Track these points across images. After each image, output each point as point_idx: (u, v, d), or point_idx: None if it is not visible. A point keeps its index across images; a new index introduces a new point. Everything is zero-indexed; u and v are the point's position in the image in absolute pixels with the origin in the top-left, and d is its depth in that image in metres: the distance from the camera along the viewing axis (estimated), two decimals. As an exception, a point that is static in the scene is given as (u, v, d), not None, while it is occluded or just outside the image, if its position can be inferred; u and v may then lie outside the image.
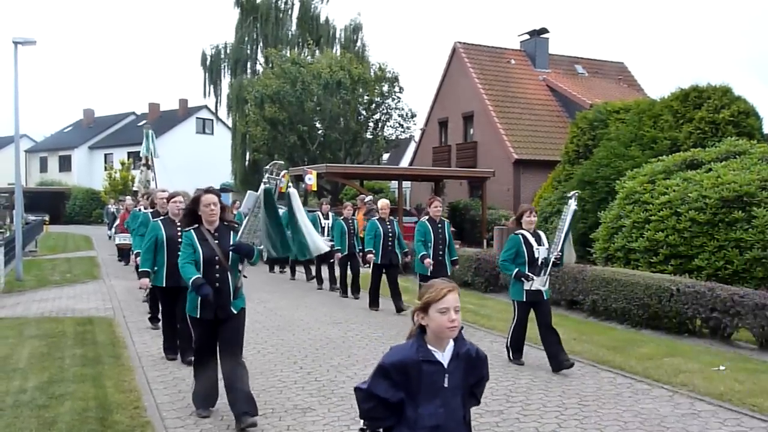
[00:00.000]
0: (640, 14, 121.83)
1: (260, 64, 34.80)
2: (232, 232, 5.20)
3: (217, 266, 5.02)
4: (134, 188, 23.67)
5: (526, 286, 6.59)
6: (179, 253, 5.22)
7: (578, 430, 4.99)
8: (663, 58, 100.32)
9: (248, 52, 35.14)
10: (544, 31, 31.40)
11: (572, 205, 6.93)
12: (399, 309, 9.88)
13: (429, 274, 8.21)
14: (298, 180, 22.08)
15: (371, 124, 28.07)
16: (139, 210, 11.21)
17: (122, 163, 39.11)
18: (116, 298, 11.43)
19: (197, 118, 48.22)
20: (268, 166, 5.38)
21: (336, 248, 11.15)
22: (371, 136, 28.23)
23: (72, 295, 11.89)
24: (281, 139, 26.61)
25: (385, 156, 35.32)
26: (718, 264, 9.20)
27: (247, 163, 34.40)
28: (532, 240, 6.68)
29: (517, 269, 6.60)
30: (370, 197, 15.78)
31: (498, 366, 6.71)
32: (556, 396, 5.86)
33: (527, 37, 31.65)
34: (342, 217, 11.95)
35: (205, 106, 46.66)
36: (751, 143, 11.14)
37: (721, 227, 9.33)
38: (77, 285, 13.32)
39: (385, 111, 27.79)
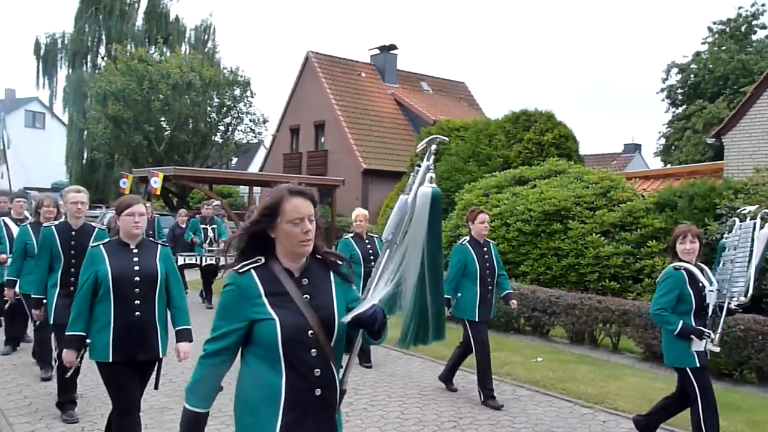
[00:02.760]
0: (481, 38, 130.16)
1: (102, 58, 32.96)
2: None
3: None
4: None
5: (696, 347, 4.43)
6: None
7: (419, 416, 5.61)
8: (500, 81, 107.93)
9: (89, 44, 33.13)
10: (393, 47, 32.75)
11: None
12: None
13: (477, 318, 6.01)
14: (143, 182, 21.30)
15: (222, 127, 27.67)
16: None
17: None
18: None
19: (26, 110, 44.41)
20: (422, 145, 2.58)
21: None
22: (221, 140, 27.82)
23: None
24: (125, 138, 25.43)
25: (234, 160, 34.81)
26: (540, 270, 10.40)
27: (84, 161, 32.39)
28: (701, 277, 4.51)
29: (681, 322, 4.44)
30: (217, 202, 15.68)
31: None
32: (400, 387, 6.47)
33: (377, 51, 32.84)
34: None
35: (36, 98, 43.14)
36: (569, 164, 12.63)
37: (543, 237, 10.56)
38: None
39: (236, 115, 27.52)
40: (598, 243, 9.83)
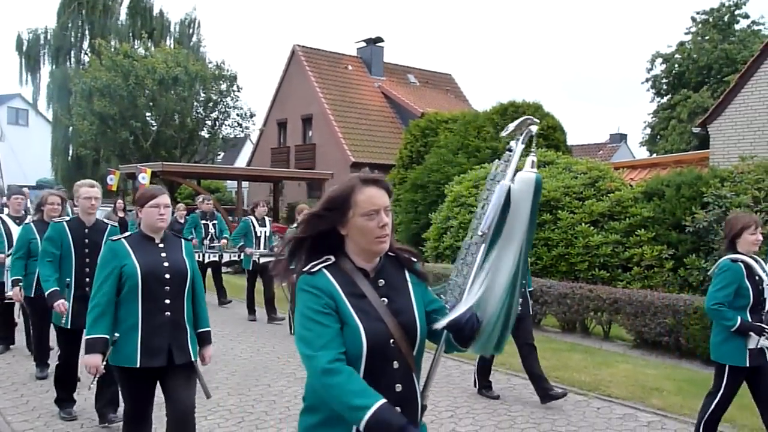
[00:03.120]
0: (467, 30, 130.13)
1: (86, 53, 32.65)
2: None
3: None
4: None
5: (752, 344, 4.16)
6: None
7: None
8: (486, 72, 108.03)
9: (72, 40, 32.81)
10: (379, 39, 32.72)
11: None
12: None
13: None
14: (130, 178, 21.18)
15: (209, 122, 27.54)
16: None
17: None
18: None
19: (9, 107, 43.92)
20: (512, 127, 2.32)
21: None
22: (209, 135, 27.69)
23: None
24: (111, 134, 25.25)
25: (221, 155, 34.68)
26: (531, 260, 10.48)
27: (70, 158, 32.13)
28: (759, 270, 4.23)
29: (740, 318, 4.15)
30: (208, 198, 15.52)
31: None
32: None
33: (363, 44, 32.79)
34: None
35: (19, 95, 42.67)
36: (557, 155, 12.72)
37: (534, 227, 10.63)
38: None
39: (223, 110, 27.39)
40: (587, 232, 9.93)
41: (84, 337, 3.68)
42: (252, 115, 28.49)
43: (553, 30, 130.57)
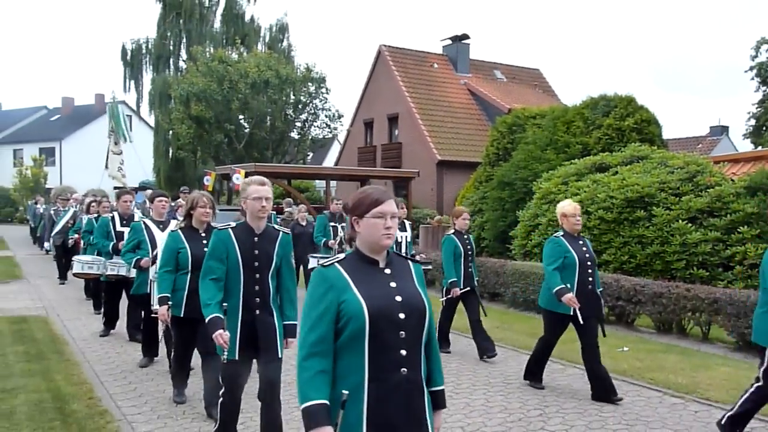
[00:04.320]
0: (554, 23, 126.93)
1: (184, 60, 34.32)
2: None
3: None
4: (110, 176, 21.51)
5: None
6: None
7: (504, 404, 5.65)
8: (574, 65, 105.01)
9: (171, 48, 34.62)
10: (465, 36, 32.51)
11: None
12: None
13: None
14: (225, 179, 22.09)
15: (298, 123, 28.32)
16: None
17: (34, 160, 37.54)
18: (45, 298, 11.32)
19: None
20: None
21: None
22: (298, 136, 28.47)
23: (-3, 295, 11.65)
24: (207, 137, 26.48)
25: (309, 156, 35.59)
26: (623, 258, 10.16)
27: (170, 160, 33.87)
28: None
29: None
30: (336, 198, 14.48)
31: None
32: (483, 376, 6.53)
33: (449, 42, 32.67)
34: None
35: (124, 102, 45.36)
36: (652, 149, 12.25)
37: (626, 225, 10.31)
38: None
39: (312, 111, 28.09)
40: (684, 230, 9.52)
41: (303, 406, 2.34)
42: (340, 116, 29.07)
43: (643, 17, 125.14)
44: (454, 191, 24.07)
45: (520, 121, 17.90)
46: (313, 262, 9.87)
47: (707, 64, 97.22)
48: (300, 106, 27.85)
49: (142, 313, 6.89)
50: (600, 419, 5.29)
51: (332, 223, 10.40)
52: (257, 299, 3.99)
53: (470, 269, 7.31)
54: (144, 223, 6.53)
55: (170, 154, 33.42)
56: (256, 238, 4.03)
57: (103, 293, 8.57)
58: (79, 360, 7.03)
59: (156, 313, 5.53)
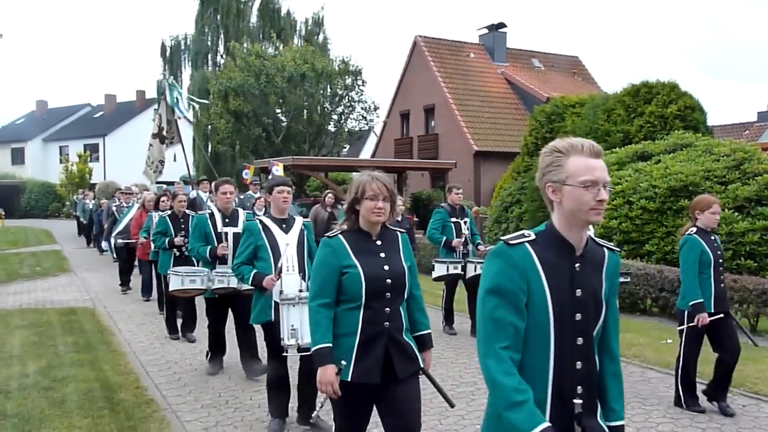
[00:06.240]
0: (592, 9, 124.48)
1: (222, 56, 34.76)
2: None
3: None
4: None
5: None
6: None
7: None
8: (614, 52, 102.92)
9: (209, 43, 35.08)
10: (502, 25, 32.15)
11: None
12: None
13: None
14: (264, 172, 22.33)
15: (335, 116, 28.44)
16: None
17: (79, 156, 38.49)
18: (92, 290, 11.64)
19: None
20: None
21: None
22: (335, 129, 28.60)
23: (46, 288, 12.02)
24: (245, 131, 26.81)
25: (346, 148, 35.73)
26: (667, 248, 9.95)
27: (209, 154, 34.37)
28: None
29: None
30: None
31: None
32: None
33: (486, 31, 32.36)
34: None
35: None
36: (696, 136, 11.94)
37: (669, 215, 10.08)
38: (49, 278, 13.41)
39: (348, 104, 28.18)
40: (731, 219, 9.27)
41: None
42: (376, 108, 29.08)
43: (685, 1, 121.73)
44: (492, 182, 23.89)
45: (558, 110, 17.64)
46: (439, 269, 7.80)
47: (754, 47, 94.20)
48: (336, 99, 27.96)
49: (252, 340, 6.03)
50: (643, 411, 5.21)
51: (453, 219, 7.95)
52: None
53: (722, 284, 5.37)
54: (261, 222, 4.72)
55: (209, 149, 33.92)
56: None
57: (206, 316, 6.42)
58: (126, 351, 7.21)
59: (287, 352, 4.34)
